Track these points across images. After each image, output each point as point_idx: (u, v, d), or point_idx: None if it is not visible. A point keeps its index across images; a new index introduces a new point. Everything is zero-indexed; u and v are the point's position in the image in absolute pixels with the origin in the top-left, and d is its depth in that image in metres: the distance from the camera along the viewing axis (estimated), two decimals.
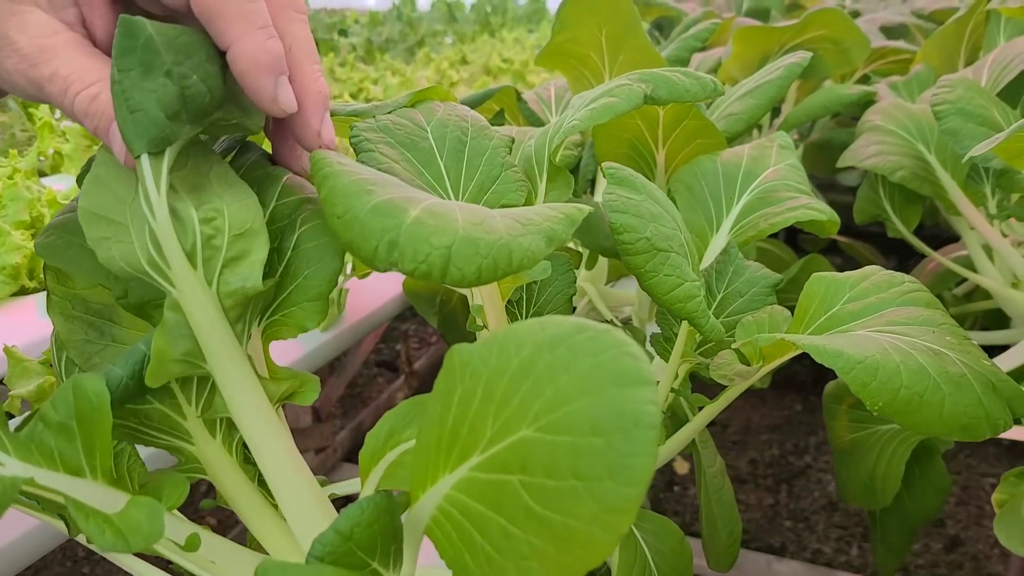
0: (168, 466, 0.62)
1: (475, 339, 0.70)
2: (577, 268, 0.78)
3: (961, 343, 0.53)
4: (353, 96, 2.43)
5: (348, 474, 1.74)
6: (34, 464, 0.46)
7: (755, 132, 1.51)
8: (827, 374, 0.58)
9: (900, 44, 1.55)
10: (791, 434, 2.07)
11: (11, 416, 0.85)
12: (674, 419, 0.77)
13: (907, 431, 0.85)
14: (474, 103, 1.10)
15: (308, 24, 0.52)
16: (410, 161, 0.65)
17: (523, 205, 0.65)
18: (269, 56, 0.46)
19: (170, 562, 0.50)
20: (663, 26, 1.95)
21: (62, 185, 1.66)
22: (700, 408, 0.68)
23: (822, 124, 1.65)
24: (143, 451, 0.56)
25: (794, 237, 1.81)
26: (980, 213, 1.03)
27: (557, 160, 0.65)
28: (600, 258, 1.05)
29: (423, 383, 2.21)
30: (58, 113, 2.01)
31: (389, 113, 0.68)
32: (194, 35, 0.46)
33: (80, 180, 0.62)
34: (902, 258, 1.98)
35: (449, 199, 0.65)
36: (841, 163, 1.10)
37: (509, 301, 0.68)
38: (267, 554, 0.53)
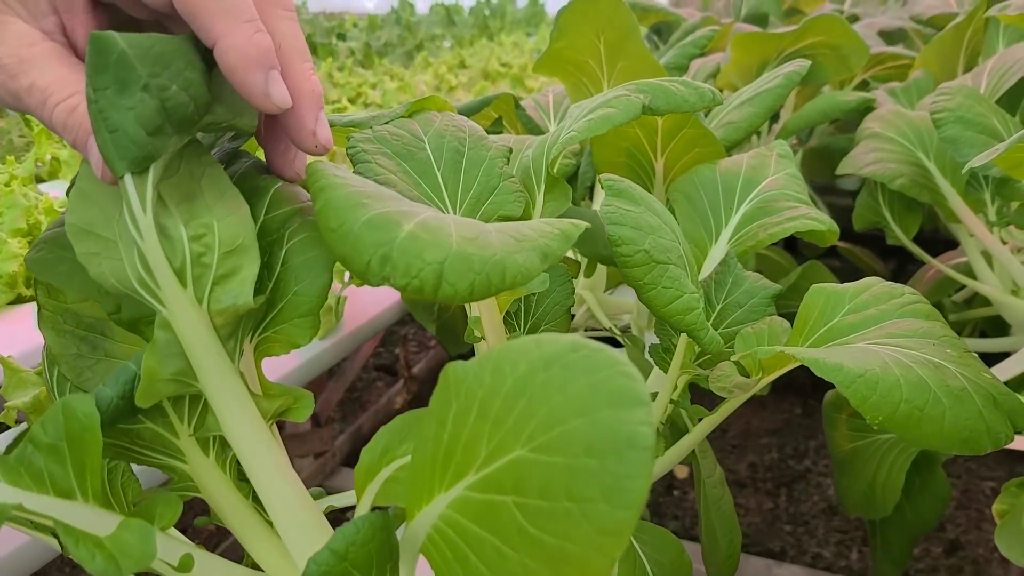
0: (161, 482, 0.61)
1: (472, 348, 0.70)
2: (576, 277, 0.78)
3: (961, 355, 0.53)
4: (351, 101, 2.42)
5: (347, 479, 1.73)
6: (24, 488, 0.46)
7: (754, 138, 1.51)
8: None
9: (899, 50, 1.55)
10: (791, 438, 2.06)
11: (7, 427, 0.84)
12: (673, 429, 0.77)
13: None
14: (472, 111, 1.09)
15: (297, 21, 0.50)
16: (407, 172, 0.65)
17: (521, 216, 0.65)
18: (258, 50, 0.45)
19: None
20: (661, 31, 1.95)
21: (60, 191, 1.66)
22: (699, 419, 0.68)
23: (821, 130, 1.65)
24: (136, 468, 0.56)
25: (793, 243, 1.81)
26: (980, 220, 1.03)
27: (555, 171, 0.65)
28: (599, 266, 1.05)
29: (422, 387, 2.20)
30: None
31: (386, 123, 0.68)
32: (171, 43, 0.45)
33: (69, 193, 0.61)
34: (902, 262, 1.97)
35: (446, 210, 0.65)
36: (840, 170, 1.10)
37: (507, 312, 0.67)
38: (263, 572, 0.53)
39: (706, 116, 0.96)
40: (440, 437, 0.37)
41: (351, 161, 0.61)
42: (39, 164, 1.85)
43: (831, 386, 0.94)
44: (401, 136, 0.66)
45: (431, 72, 2.98)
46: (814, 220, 0.69)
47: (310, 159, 0.55)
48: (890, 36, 1.85)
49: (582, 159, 1.09)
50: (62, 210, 1.27)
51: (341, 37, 3.87)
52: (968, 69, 1.35)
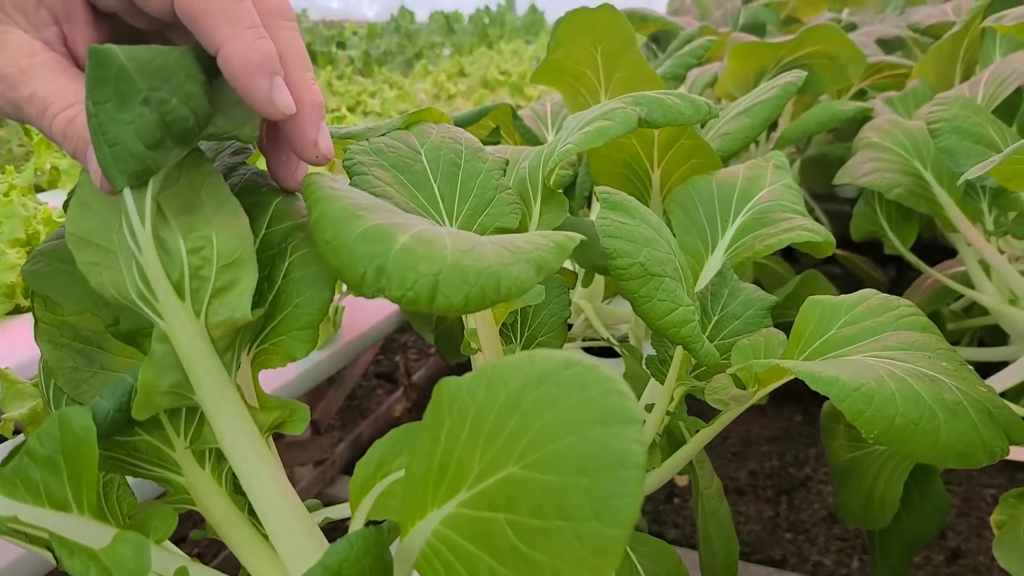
0: (157, 495, 0.61)
1: (469, 359, 0.70)
2: (573, 287, 0.78)
3: (957, 369, 0.53)
4: (351, 109, 2.43)
5: (347, 487, 1.71)
6: (19, 499, 0.46)
7: (753, 146, 1.51)
8: None
9: (896, 59, 1.55)
10: (791, 445, 2.05)
11: (3, 439, 0.84)
12: (671, 439, 0.77)
13: None
14: (469, 121, 1.10)
15: (298, 31, 0.50)
16: (404, 184, 0.65)
17: (517, 228, 0.65)
18: (261, 55, 0.45)
19: None
20: (660, 39, 1.95)
21: (59, 201, 1.66)
22: (696, 431, 0.68)
23: (819, 138, 1.65)
24: (131, 479, 0.56)
25: (792, 251, 1.81)
26: (977, 230, 1.03)
27: (551, 183, 0.65)
28: (597, 276, 1.05)
29: (422, 395, 2.20)
30: None
31: (383, 135, 0.68)
32: (171, 55, 0.44)
33: (67, 206, 0.62)
34: (901, 269, 1.97)
35: (443, 222, 0.65)
36: (837, 180, 1.10)
37: (504, 324, 0.67)
38: None
39: (703, 127, 0.96)
40: (433, 453, 0.37)
41: (348, 173, 0.61)
42: (39, 174, 1.85)
43: (828, 401, 0.94)
44: (397, 148, 0.66)
45: (430, 80, 2.99)
46: (810, 231, 0.69)
47: (311, 170, 0.55)
48: (888, 44, 1.85)
49: (580, 169, 1.09)
50: (60, 220, 1.28)
51: (341, 46, 3.88)
52: (965, 78, 1.35)
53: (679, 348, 0.63)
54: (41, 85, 0.45)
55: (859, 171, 1.06)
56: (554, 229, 0.68)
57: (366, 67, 3.42)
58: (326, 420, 1.71)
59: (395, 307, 1.28)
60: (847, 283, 1.81)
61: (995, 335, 1.25)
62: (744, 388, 0.60)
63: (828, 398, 0.95)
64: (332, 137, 0.66)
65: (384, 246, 0.41)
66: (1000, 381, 0.97)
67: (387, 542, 0.42)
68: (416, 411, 2.19)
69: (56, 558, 0.47)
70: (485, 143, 1.15)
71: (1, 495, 0.45)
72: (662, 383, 0.68)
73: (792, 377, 0.57)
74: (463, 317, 0.67)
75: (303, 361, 1.08)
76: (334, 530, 0.54)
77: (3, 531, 0.43)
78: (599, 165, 0.86)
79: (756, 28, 1.80)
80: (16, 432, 0.82)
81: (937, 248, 1.43)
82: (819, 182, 1.61)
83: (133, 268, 0.47)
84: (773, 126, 1.54)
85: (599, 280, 1.05)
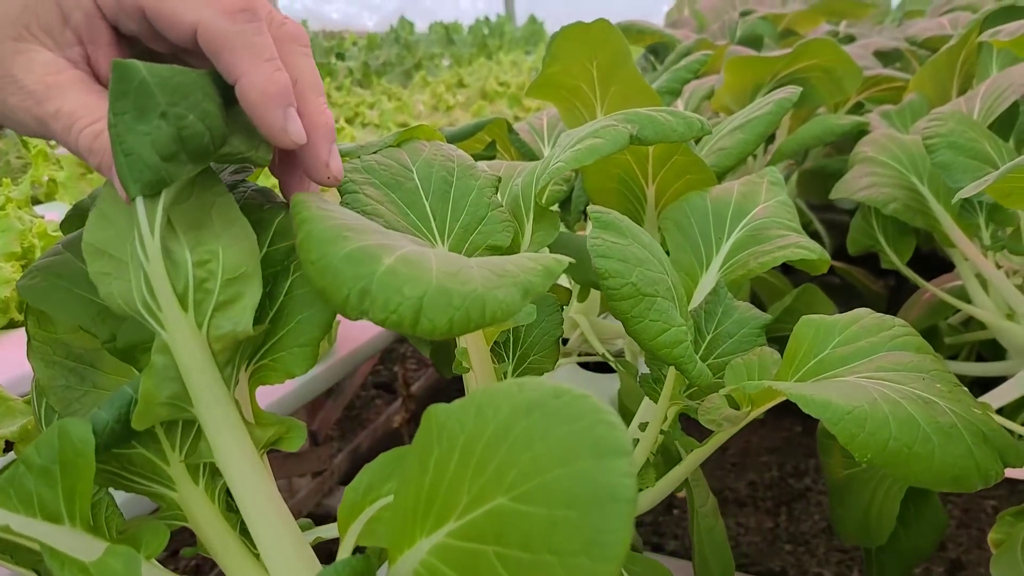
0: (147, 513, 0.61)
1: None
2: (567, 304, 0.78)
3: (952, 390, 0.53)
4: (349, 121, 2.43)
5: None
6: (11, 510, 0.46)
7: (750, 159, 1.51)
8: None
9: (893, 72, 1.55)
10: (791, 456, 2.05)
11: None
12: (666, 456, 0.76)
13: None
14: (464, 135, 1.10)
15: (312, 58, 0.53)
16: (395, 202, 0.64)
17: (510, 245, 0.65)
18: (277, 87, 0.47)
19: None
20: (658, 51, 1.95)
21: (56, 213, 1.66)
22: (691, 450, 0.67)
23: (816, 151, 1.65)
24: (123, 496, 0.56)
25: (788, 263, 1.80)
26: (974, 245, 1.02)
27: (543, 201, 0.65)
28: (592, 290, 1.04)
29: (420, 406, 2.19)
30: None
31: (374, 153, 0.68)
32: (190, 75, 0.46)
33: (65, 225, 0.62)
34: (899, 281, 1.96)
35: (434, 240, 0.64)
36: (834, 195, 1.09)
37: (496, 342, 0.67)
38: None
39: (697, 143, 0.96)
40: (422, 481, 0.37)
41: (339, 191, 0.61)
42: (36, 186, 1.85)
43: None
44: (389, 166, 0.66)
45: (429, 92, 2.99)
46: (805, 249, 0.69)
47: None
48: (886, 56, 1.86)
49: (576, 183, 1.09)
50: (56, 234, 1.28)
51: (340, 56, 3.89)
52: (962, 92, 1.35)
53: (672, 368, 0.63)
54: (67, 101, 0.47)
55: (855, 186, 1.06)
56: (547, 247, 0.68)
57: (365, 78, 3.42)
58: (324, 431, 1.70)
59: None
60: (845, 294, 1.81)
61: (993, 349, 1.25)
62: (738, 408, 0.60)
63: None
64: None
65: (369, 268, 0.41)
66: (998, 396, 0.97)
67: (375, 570, 0.41)
68: (415, 422, 2.19)
69: (46, 572, 0.47)
70: (480, 157, 1.15)
71: None
72: (656, 402, 0.67)
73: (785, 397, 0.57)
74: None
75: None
76: (324, 551, 0.54)
77: None
78: (594, 180, 0.85)
79: (753, 41, 1.80)
80: (7, 449, 0.82)
81: (936, 260, 1.42)
82: (816, 194, 1.60)
83: (140, 277, 0.47)
84: (770, 139, 1.54)
85: (595, 295, 1.05)
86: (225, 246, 0.50)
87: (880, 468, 0.46)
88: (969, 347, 1.30)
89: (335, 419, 1.80)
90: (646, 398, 0.69)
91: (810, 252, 0.68)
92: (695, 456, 0.66)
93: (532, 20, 6.07)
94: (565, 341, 1.16)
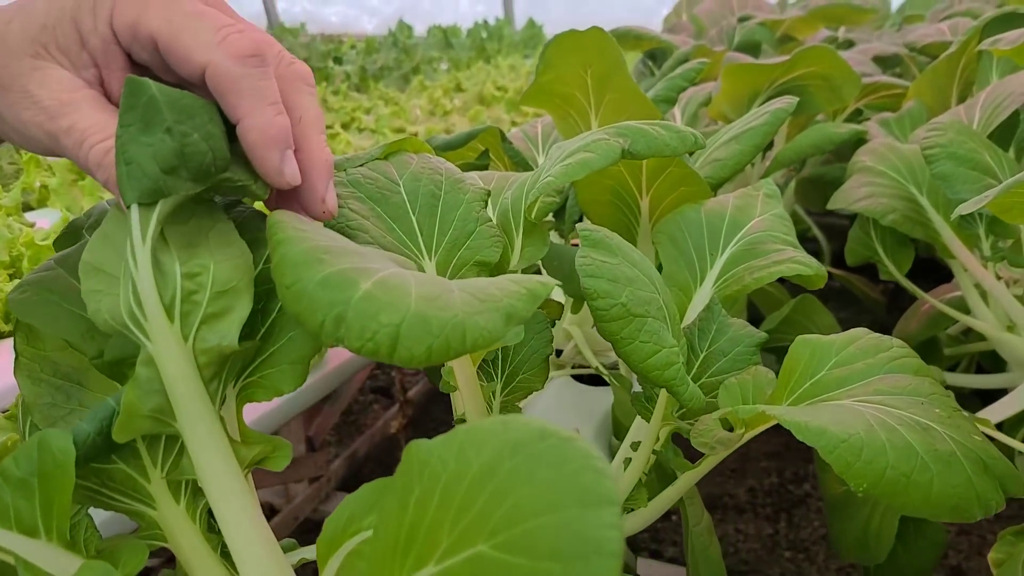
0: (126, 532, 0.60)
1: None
2: (560, 318, 0.76)
3: (951, 416, 0.51)
4: (345, 126, 2.41)
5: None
6: None
7: (748, 167, 1.49)
8: None
9: (892, 79, 1.53)
10: (790, 461, 2.03)
11: None
12: (660, 473, 0.74)
13: None
14: (457, 144, 1.08)
15: (316, 96, 0.55)
16: (381, 217, 0.63)
17: (499, 261, 0.63)
18: (277, 130, 0.49)
19: None
20: (656, 56, 1.94)
21: (48, 220, 1.64)
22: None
23: (814, 158, 1.64)
24: (101, 517, 0.55)
25: None
26: (974, 256, 1.01)
27: (533, 215, 0.63)
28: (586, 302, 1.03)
29: (418, 411, 2.18)
30: None
31: (361, 166, 0.66)
32: (199, 100, 0.48)
33: (58, 242, 0.61)
34: (898, 287, 1.95)
35: (421, 256, 0.63)
36: (831, 205, 1.08)
37: (484, 360, 0.65)
38: None
39: (691, 154, 0.94)
40: (402, 520, 0.36)
41: None
42: (28, 192, 1.83)
43: None
44: (375, 179, 0.65)
45: (426, 97, 2.98)
46: (801, 264, 0.68)
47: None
48: (885, 62, 1.84)
49: (570, 192, 1.08)
50: (43, 243, 1.26)
51: (337, 61, 3.87)
52: (961, 99, 1.33)
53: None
54: (81, 118, 0.49)
55: (853, 196, 1.04)
56: (537, 263, 0.67)
57: (362, 82, 3.41)
58: (321, 436, 1.69)
59: None
60: (844, 298, 1.79)
61: (993, 360, 1.23)
62: (732, 430, 0.58)
63: None
64: None
65: (345, 293, 0.39)
66: (999, 410, 0.95)
67: None
68: (412, 427, 2.18)
69: None
70: (474, 166, 1.13)
71: None
72: (648, 421, 0.66)
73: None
74: None
75: None
76: (309, 572, 0.53)
77: None
78: (587, 192, 0.84)
79: (751, 47, 1.79)
80: None
81: (936, 265, 1.40)
82: (815, 202, 1.59)
83: (129, 287, 0.47)
84: (768, 146, 1.53)
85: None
86: (217, 261, 0.50)
87: (876, 498, 0.45)
88: (969, 358, 1.29)
89: (332, 424, 1.79)
90: (638, 418, 0.68)
91: (806, 267, 0.67)
92: (688, 478, 0.64)
93: (531, 23, 6.05)
94: (559, 353, 1.14)
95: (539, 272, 0.86)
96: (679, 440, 0.70)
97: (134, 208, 0.46)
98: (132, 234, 0.46)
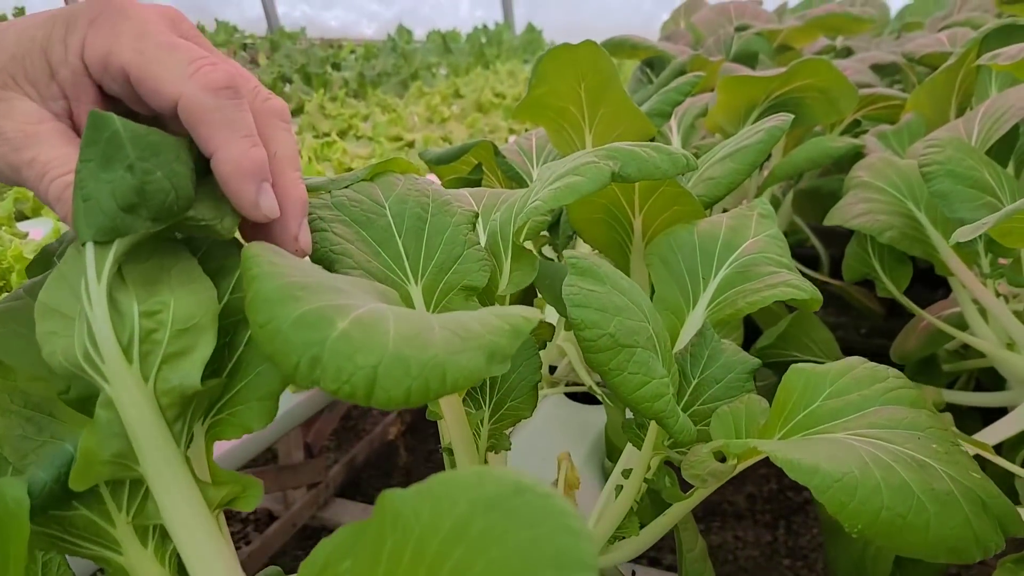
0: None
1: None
2: (551, 339, 0.74)
3: (948, 451, 0.49)
4: (341, 134, 2.40)
5: (340, 510, 1.70)
6: None
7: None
8: None
9: (890, 90, 1.52)
10: None
11: None
12: (654, 497, 0.73)
13: None
14: (450, 158, 1.07)
15: (292, 132, 0.54)
16: (366, 240, 0.62)
17: (487, 285, 0.62)
18: (252, 163, 0.48)
19: None
20: (654, 64, 1.93)
21: (41, 230, 1.64)
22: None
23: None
24: (70, 559, 0.53)
25: None
26: (973, 273, 0.99)
27: (521, 239, 0.62)
28: None
29: (416, 417, 2.17)
30: None
31: (346, 188, 0.65)
32: (166, 137, 0.46)
33: (31, 268, 0.60)
34: (896, 301, 1.94)
35: (407, 281, 0.61)
36: (828, 221, 1.06)
37: (471, 388, 0.64)
38: None
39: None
40: (375, 572, 0.34)
41: None
42: (22, 201, 1.82)
43: None
44: (361, 202, 0.63)
45: (424, 103, 2.97)
46: (796, 288, 0.66)
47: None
48: (883, 70, 1.83)
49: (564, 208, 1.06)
50: (31, 258, 1.25)
51: (336, 67, 3.86)
52: (960, 112, 1.32)
53: None
54: (43, 151, 0.48)
55: (851, 212, 1.03)
56: (525, 287, 0.65)
57: (360, 88, 3.40)
58: (320, 442, 1.69)
59: None
60: (844, 302, 1.77)
61: (993, 377, 1.22)
62: (724, 460, 0.57)
63: None
64: None
65: (321, 333, 0.38)
66: (999, 430, 0.93)
67: None
68: (410, 433, 2.17)
69: None
70: (467, 181, 1.12)
71: None
72: (639, 448, 0.64)
73: None
74: None
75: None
76: None
77: None
78: (579, 211, 0.82)
79: (748, 58, 1.78)
80: None
81: (937, 280, 1.39)
82: (812, 215, 1.57)
83: (84, 328, 0.45)
84: (765, 159, 1.51)
85: None
86: (178, 297, 0.48)
87: (871, 540, 0.43)
88: (968, 374, 1.27)
89: (331, 430, 1.78)
90: (628, 446, 0.66)
91: (801, 291, 0.66)
92: (680, 507, 0.63)
93: (530, 28, 6.04)
94: (553, 370, 1.13)
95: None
96: (673, 464, 0.69)
97: (89, 246, 0.45)
98: (87, 273, 0.45)
